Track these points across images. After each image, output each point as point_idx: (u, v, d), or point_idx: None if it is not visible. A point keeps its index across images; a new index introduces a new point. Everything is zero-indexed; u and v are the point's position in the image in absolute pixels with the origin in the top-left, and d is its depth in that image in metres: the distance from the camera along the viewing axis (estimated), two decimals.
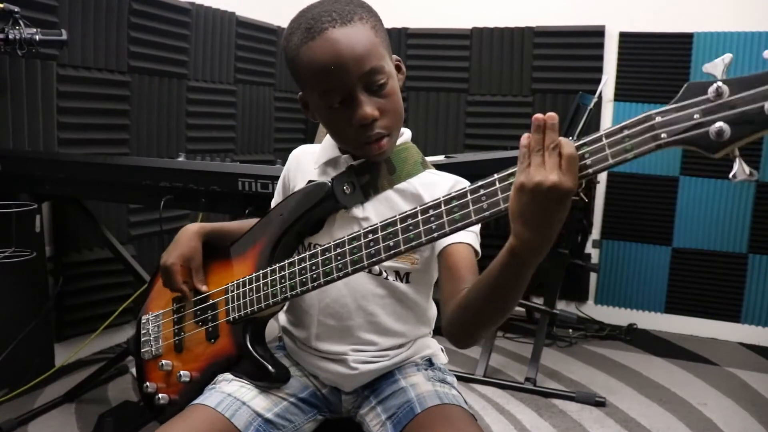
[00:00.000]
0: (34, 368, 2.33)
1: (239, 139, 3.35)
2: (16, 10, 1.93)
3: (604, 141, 0.75)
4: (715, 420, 2.32)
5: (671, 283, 3.31)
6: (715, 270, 3.20)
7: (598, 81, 3.04)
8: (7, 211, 1.97)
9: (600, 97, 2.94)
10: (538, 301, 2.99)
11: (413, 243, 0.87)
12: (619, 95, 3.31)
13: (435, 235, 0.86)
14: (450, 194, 0.84)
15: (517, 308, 3.20)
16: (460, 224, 0.84)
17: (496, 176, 0.83)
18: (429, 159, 1.16)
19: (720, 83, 0.70)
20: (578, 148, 0.77)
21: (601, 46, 3.31)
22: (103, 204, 2.56)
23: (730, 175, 0.72)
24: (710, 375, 2.74)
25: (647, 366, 2.82)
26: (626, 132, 0.74)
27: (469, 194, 0.84)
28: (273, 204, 1.22)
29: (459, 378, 1.16)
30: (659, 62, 3.21)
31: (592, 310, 3.43)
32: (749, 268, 3.15)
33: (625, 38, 3.27)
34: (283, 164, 1.22)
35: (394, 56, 1.05)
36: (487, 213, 0.83)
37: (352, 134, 0.99)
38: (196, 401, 1.02)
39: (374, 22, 0.99)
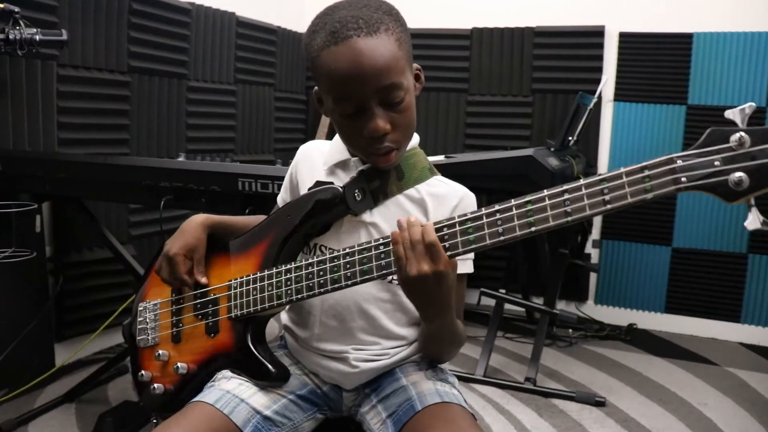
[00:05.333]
0: (34, 368, 2.32)
1: (239, 139, 3.35)
2: (16, 10, 1.93)
3: (624, 179, 0.77)
4: (715, 420, 2.32)
5: (671, 283, 3.31)
6: (715, 270, 3.20)
7: (598, 81, 3.04)
8: (7, 211, 1.97)
9: (600, 97, 2.94)
10: (538, 301, 2.99)
11: None
12: (619, 95, 3.31)
13: (448, 254, 0.88)
14: (465, 215, 0.87)
15: (517, 308, 3.22)
16: (473, 246, 0.87)
17: (513, 201, 0.84)
18: (429, 159, 1.16)
19: (743, 133, 0.72)
20: (598, 182, 0.79)
21: (600, 46, 3.30)
22: (103, 204, 2.56)
23: (745, 224, 0.74)
24: (710, 375, 2.74)
25: (647, 366, 2.82)
26: (647, 172, 0.76)
27: (484, 217, 0.86)
28: (279, 198, 1.22)
29: (459, 378, 1.16)
30: (659, 62, 3.21)
31: (592, 310, 3.43)
32: (749, 268, 3.15)
33: (625, 38, 3.27)
34: (284, 164, 1.22)
35: (415, 65, 1.04)
36: (502, 238, 0.85)
37: (362, 143, 1.00)
38: (194, 399, 1.02)
39: (400, 34, 0.97)
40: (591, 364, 2.83)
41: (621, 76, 3.30)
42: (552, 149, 2.58)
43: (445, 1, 3.57)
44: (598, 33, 3.30)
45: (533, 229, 0.82)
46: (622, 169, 0.77)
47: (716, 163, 0.73)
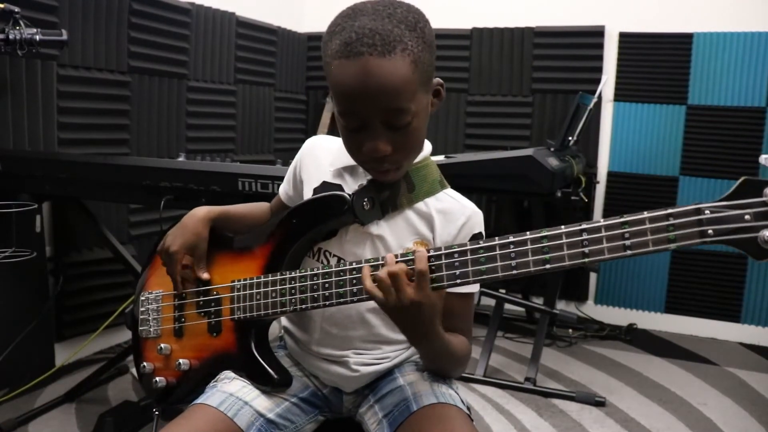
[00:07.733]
0: (34, 368, 2.32)
1: (239, 139, 3.35)
2: (16, 10, 1.93)
3: (648, 225, 0.73)
4: (715, 420, 2.32)
5: (671, 283, 3.31)
6: (715, 270, 3.20)
7: (598, 81, 3.04)
8: (7, 211, 1.97)
9: (600, 97, 2.94)
10: (538, 301, 2.99)
11: (434, 285, 0.87)
12: (619, 95, 3.31)
13: (458, 281, 0.86)
14: (478, 242, 0.85)
15: (517, 308, 3.23)
16: (483, 276, 0.84)
17: (528, 234, 0.81)
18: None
19: None
20: (620, 225, 0.75)
21: (600, 46, 3.31)
22: (103, 204, 2.56)
23: None
24: (710, 375, 2.74)
25: (647, 366, 2.82)
26: (672, 221, 0.72)
27: (498, 247, 0.83)
28: (281, 189, 1.21)
29: (459, 378, 1.16)
30: (659, 62, 3.21)
31: (591, 310, 3.43)
32: (749, 268, 3.15)
33: (625, 38, 3.27)
34: (284, 164, 1.22)
35: (437, 79, 1.00)
36: (514, 271, 0.82)
37: (361, 158, 0.99)
38: (198, 401, 1.02)
39: (418, 54, 0.91)
40: (591, 364, 2.83)
41: (621, 76, 3.30)
42: (552, 149, 2.58)
43: (445, 1, 3.57)
44: (598, 33, 3.30)
45: (548, 266, 0.79)
46: (646, 214, 0.73)
47: (747, 217, 0.69)
